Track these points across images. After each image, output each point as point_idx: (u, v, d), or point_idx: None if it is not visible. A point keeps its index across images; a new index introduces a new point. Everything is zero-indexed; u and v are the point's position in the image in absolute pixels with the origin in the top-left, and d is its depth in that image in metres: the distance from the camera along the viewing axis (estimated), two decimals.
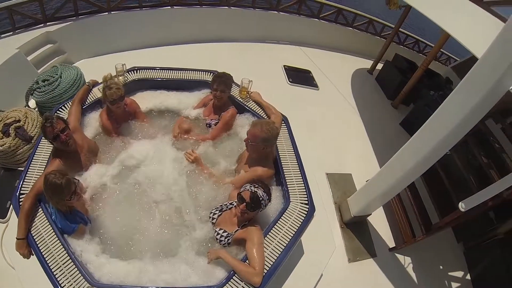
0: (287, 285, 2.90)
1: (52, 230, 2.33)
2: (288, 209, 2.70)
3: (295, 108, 3.94)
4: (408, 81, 5.79)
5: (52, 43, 4.57)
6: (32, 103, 3.93)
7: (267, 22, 6.35)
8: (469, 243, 4.21)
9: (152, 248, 2.59)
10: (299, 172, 2.96)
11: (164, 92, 3.72)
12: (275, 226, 2.57)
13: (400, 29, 6.52)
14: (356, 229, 3.93)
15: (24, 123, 3.33)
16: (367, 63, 7.03)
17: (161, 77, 3.74)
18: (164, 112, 3.70)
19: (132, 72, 3.65)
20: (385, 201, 3.69)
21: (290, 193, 2.80)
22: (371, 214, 3.93)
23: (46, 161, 2.74)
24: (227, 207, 2.77)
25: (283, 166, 3.00)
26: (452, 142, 2.73)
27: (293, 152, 3.13)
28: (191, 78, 3.80)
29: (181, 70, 3.80)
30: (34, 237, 2.31)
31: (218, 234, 2.62)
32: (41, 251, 2.24)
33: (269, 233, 2.53)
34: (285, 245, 2.47)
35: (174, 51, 5.45)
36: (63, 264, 2.18)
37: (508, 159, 4.02)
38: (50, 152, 2.79)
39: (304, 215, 2.66)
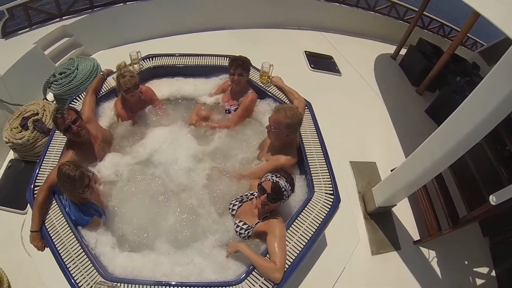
0: (309, 277, 2.77)
1: (66, 223, 2.26)
2: (312, 199, 2.52)
3: (317, 94, 3.75)
4: (433, 67, 5.46)
5: (69, 37, 4.57)
6: (50, 96, 3.93)
7: (286, 7, 6.11)
8: (496, 238, 3.95)
9: (167, 240, 2.47)
10: (324, 161, 2.77)
11: (180, 79, 3.58)
12: (298, 218, 2.40)
13: (424, 12, 6.15)
14: (380, 220, 3.73)
15: (42, 115, 3.33)
16: (390, 48, 6.69)
17: (177, 63, 3.60)
18: (181, 99, 3.56)
19: (147, 59, 3.53)
20: (411, 192, 3.47)
21: (314, 183, 2.62)
22: (396, 205, 3.72)
23: (60, 153, 2.65)
24: (248, 198, 2.61)
25: (307, 154, 2.82)
26: (483, 132, 2.48)
27: (318, 140, 2.94)
28: (208, 63, 3.64)
29: (197, 56, 3.66)
30: (48, 230, 2.25)
31: (237, 226, 2.47)
32: (55, 243, 2.18)
33: (292, 226, 2.37)
34: (308, 238, 2.30)
35: (191, 39, 5.32)
36: (76, 257, 2.11)
37: None
38: (64, 144, 2.71)
39: (329, 207, 2.48)
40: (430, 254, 3.62)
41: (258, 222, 2.40)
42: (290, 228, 2.35)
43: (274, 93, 3.37)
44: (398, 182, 3.32)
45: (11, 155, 3.47)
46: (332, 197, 2.54)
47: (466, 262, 3.74)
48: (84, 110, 2.88)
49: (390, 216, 3.82)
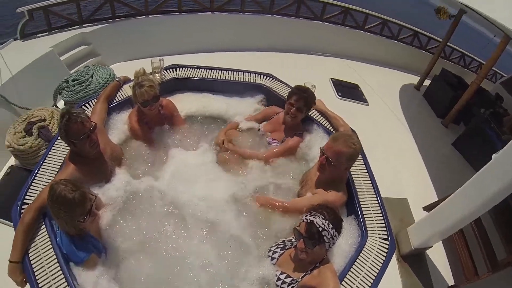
0: None
1: (55, 257, 1.65)
2: (366, 245, 1.92)
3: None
4: (458, 98, 4.99)
5: (87, 45, 4.16)
6: (61, 103, 3.44)
7: (311, 33, 5.74)
8: None
9: None
10: (376, 199, 2.18)
11: (208, 95, 2.98)
12: (352, 269, 1.81)
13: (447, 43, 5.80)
14: (414, 263, 3.15)
15: (50, 123, 2.83)
16: (413, 78, 6.29)
17: (206, 77, 3.02)
18: (208, 119, 2.94)
19: (171, 70, 2.98)
20: (449, 234, 2.94)
21: (367, 225, 2.02)
22: (431, 247, 3.14)
23: (59, 166, 2.06)
24: (292, 243, 1.99)
25: (357, 191, 2.23)
26: None
27: (367, 174, 2.35)
28: (243, 80, 3.06)
29: (230, 70, 3.08)
30: (32, 262, 1.63)
31: (279, 279, 1.85)
32: (38, 283, 1.57)
33: (345, 278, 1.78)
34: None
35: (214, 58, 4.84)
36: None
37: None
38: (64, 156, 2.11)
39: (385, 253, 1.89)
40: None
41: (305, 275, 1.80)
42: (344, 281, 1.77)
43: (316, 118, 2.81)
44: (436, 224, 2.84)
45: (12, 161, 2.94)
46: (387, 242, 1.95)
47: None
48: (93, 119, 2.22)
49: (424, 259, 3.24)
